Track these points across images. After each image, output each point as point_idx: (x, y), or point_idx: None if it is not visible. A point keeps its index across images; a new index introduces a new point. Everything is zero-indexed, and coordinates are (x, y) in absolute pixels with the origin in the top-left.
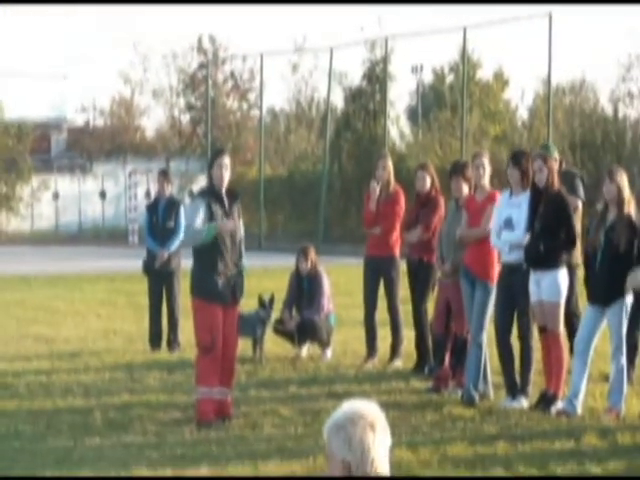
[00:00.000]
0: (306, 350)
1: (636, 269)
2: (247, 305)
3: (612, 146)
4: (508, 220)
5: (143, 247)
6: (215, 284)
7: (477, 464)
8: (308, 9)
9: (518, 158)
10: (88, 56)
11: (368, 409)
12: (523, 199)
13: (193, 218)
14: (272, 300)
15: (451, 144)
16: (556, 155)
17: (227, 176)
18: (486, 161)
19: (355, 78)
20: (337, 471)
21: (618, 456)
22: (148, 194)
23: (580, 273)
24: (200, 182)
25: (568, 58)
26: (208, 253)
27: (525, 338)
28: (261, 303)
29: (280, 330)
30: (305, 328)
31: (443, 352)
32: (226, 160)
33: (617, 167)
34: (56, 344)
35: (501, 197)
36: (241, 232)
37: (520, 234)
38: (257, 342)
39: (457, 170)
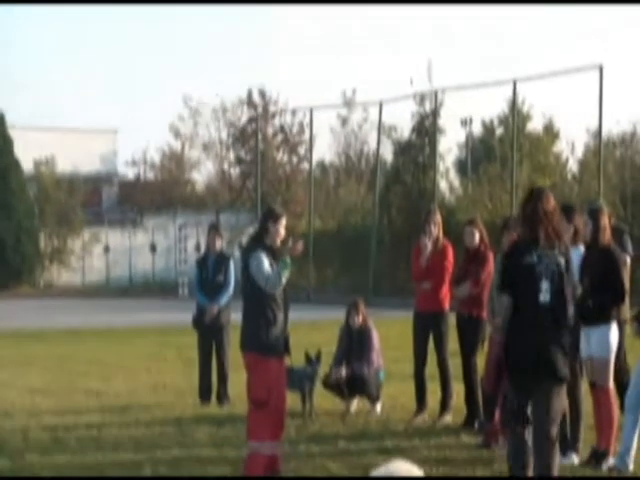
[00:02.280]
0: (355, 405)
1: None
2: (296, 358)
3: None
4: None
5: (193, 300)
6: (274, 338)
7: None
8: (357, 62)
9: (571, 214)
10: (139, 110)
11: (406, 468)
12: (574, 255)
13: (263, 265)
14: (319, 355)
15: (501, 197)
16: (606, 210)
17: (281, 230)
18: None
19: (404, 131)
20: None
21: None
22: (198, 247)
23: (629, 328)
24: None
25: (619, 110)
26: (263, 307)
27: (573, 394)
28: (308, 359)
29: (330, 384)
30: (355, 382)
31: (493, 408)
32: (284, 221)
33: None
34: (107, 398)
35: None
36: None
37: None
38: (305, 397)
39: (509, 226)
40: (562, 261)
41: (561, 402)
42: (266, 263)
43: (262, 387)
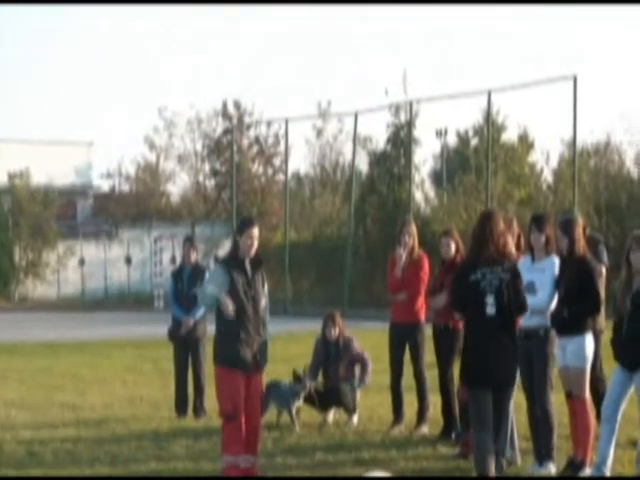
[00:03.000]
0: (332, 416)
1: None
2: (273, 370)
3: (638, 209)
4: (530, 285)
5: (168, 312)
6: (237, 352)
7: None
8: (332, 73)
9: (542, 224)
10: (114, 122)
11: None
12: (547, 264)
13: (209, 282)
14: (306, 373)
15: (476, 208)
16: (580, 221)
17: (255, 246)
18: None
19: (379, 142)
20: None
21: None
22: (173, 259)
23: (604, 338)
24: (226, 247)
25: (593, 120)
26: (230, 321)
27: (542, 404)
28: (295, 378)
29: (307, 397)
30: (330, 395)
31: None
32: (256, 231)
33: None
34: (82, 411)
35: (522, 262)
36: (265, 300)
37: (543, 298)
38: (290, 414)
39: None
40: (506, 277)
41: (511, 401)
42: (212, 281)
43: (228, 400)
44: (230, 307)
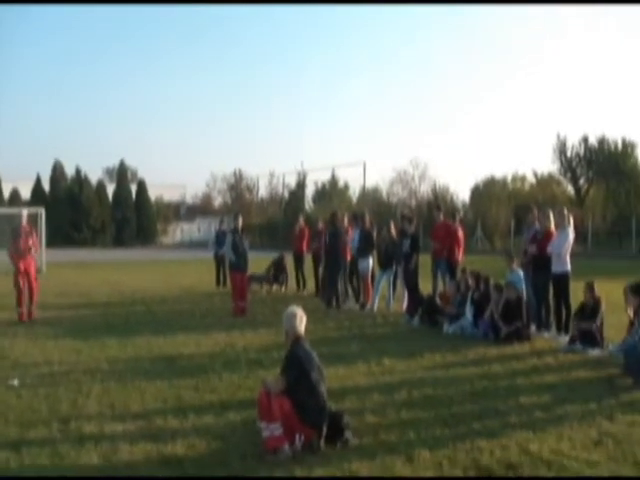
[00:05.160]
0: (274, 287)
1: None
2: (252, 269)
3: (387, 215)
4: (354, 238)
5: (213, 248)
6: (238, 263)
7: (334, 329)
8: (276, 160)
9: (357, 217)
10: (195, 174)
11: (298, 309)
12: (358, 232)
13: (229, 244)
14: (270, 269)
15: (332, 212)
16: (368, 218)
17: (241, 223)
18: (346, 218)
19: (292, 186)
20: (289, 335)
21: (388, 325)
22: (215, 228)
23: (375, 259)
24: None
25: (374, 177)
26: (235, 252)
27: (364, 283)
28: (267, 270)
29: (266, 280)
30: (275, 278)
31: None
32: (239, 216)
33: (391, 222)
34: (183, 284)
35: (355, 231)
36: (247, 244)
37: (357, 243)
38: (262, 285)
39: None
40: (337, 232)
41: (338, 277)
42: (230, 243)
43: (234, 281)
44: (232, 256)
